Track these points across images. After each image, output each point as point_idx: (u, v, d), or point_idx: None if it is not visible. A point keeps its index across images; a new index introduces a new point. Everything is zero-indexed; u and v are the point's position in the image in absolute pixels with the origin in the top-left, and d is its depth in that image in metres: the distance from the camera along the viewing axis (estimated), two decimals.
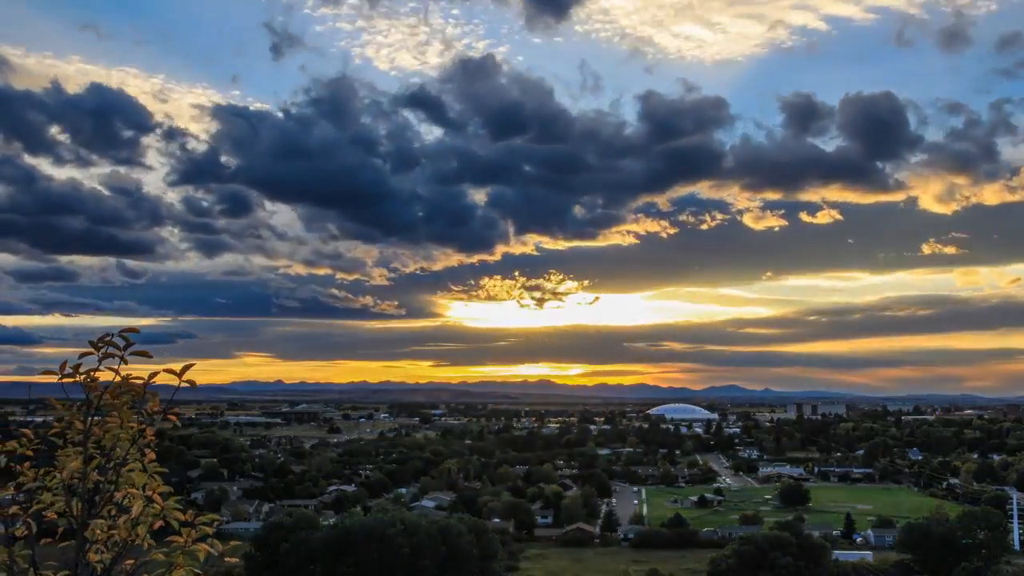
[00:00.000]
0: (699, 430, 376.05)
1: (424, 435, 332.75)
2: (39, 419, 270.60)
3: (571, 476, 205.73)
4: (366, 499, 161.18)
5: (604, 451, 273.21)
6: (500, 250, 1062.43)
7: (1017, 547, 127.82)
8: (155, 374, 4.12)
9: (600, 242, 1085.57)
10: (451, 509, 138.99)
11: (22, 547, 3.97)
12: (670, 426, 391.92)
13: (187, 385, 4.03)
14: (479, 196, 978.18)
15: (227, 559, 4.44)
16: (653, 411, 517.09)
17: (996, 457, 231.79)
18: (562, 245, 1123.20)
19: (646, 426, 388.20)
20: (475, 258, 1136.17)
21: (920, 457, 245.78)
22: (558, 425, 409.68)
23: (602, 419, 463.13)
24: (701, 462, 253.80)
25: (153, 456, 4.32)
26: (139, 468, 4.18)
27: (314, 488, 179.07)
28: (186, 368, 4.09)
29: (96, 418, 4.13)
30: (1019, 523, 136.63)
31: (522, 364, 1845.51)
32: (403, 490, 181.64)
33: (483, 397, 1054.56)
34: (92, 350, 4.09)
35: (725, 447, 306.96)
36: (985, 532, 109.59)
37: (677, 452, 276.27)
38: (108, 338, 4.08)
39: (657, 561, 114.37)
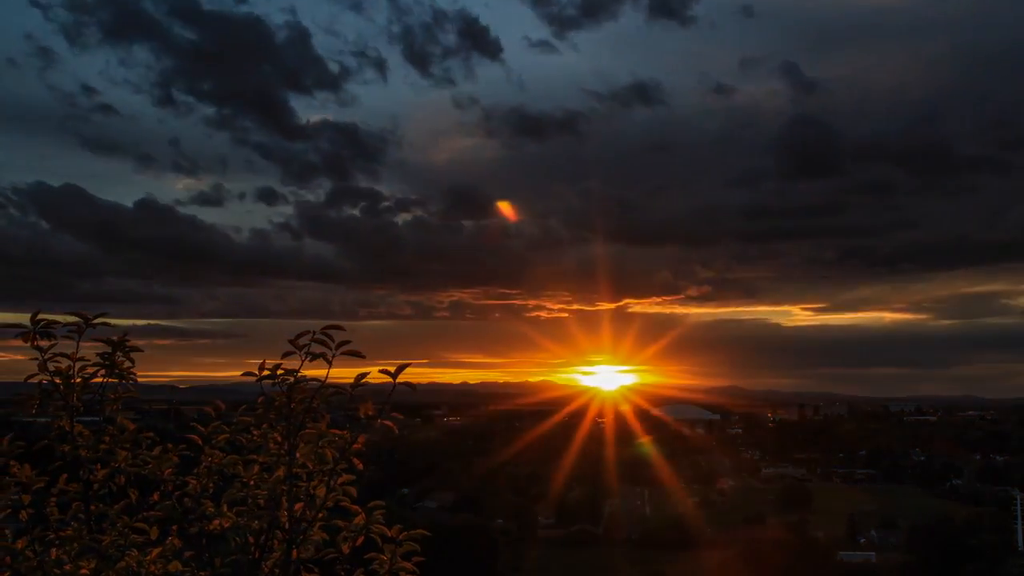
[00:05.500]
0: (700, 430, 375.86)
1: (426, 435, 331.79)
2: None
3: (574, 476, 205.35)
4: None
5: None
6: None
7: (1021, 547, 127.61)
8: (364, 375, 3.74)
9: None
10: (453, 509, 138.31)
11: (220, 566, 3.67)
12: (672, 425, 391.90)
13: (406, 387, 3.67)
14: None
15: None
16: (654, 411, 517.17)
17: (1000, 458, 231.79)
18: None
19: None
20: None
21: (923, 458, 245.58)
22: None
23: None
24: (703, 462, 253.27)
25: (361, 466, 4.00)
26: (348, 481, 3.88)
27: None
28: (401, 369, 3.69)
29: (275, 424, 3.82)
30: (1023, 524, 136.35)
31: None
32: (405, 490, 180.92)
33: (484, 397, 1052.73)
34: (293, 348, 3.76)
35: (727, 447, 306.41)
36: (991, 533, 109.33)
37: (679, 452, 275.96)
38: (314, 335, 3.74)
39: (660, 562, 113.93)
